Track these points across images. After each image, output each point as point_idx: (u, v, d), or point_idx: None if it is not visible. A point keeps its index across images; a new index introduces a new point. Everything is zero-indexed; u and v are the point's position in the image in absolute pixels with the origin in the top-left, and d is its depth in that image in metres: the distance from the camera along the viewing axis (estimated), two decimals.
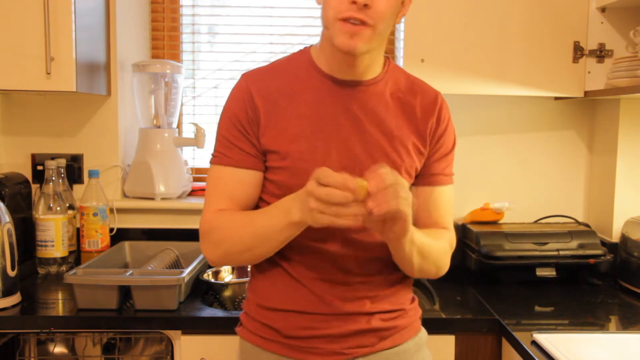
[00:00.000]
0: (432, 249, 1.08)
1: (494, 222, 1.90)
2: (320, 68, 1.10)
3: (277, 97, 1.08)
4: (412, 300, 1.18)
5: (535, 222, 1.99)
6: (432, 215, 1.15)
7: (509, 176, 2.01)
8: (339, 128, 1.07)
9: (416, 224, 1.06)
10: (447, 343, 1.43)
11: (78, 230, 1.86)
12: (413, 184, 1.15)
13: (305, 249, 1.07)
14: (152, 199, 1.93)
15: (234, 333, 1.18)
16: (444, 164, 1.16)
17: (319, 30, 1.43)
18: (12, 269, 1.45)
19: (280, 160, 1.06)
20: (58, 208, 1.75)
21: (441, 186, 1.16)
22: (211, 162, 1.11)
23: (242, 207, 1.09)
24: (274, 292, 1.10)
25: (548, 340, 1.25)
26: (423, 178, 1.15)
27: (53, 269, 1.75)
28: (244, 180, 1.08)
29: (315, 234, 1.04)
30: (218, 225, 1.07)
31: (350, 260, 1.08)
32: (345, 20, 0.99)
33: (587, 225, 1.91)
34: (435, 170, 1.15)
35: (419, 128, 1.11)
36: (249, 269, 1.61)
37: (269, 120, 1.06)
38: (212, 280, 1.73)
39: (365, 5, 0.97)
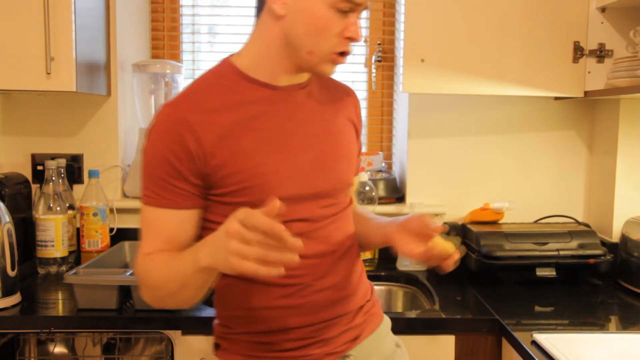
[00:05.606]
0: None
1: (494, 222, 1.90)
2: (254, 78, 1.04)
3: (219, 117, 1.00)
4: (372, 288, 1.24)
5: (535, 222, 1.99)
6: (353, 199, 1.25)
7: (509, 176, 2.01)
8: (291, 136, 1.05)
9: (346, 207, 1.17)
10: (447, 343, 1.43)
11: (78, 230, 1.86)
12: None
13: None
14: None
15: None
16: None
17: None
18: (12, 269, 1.45)
19: (243, 180, 1.00)
20: (58, 208, 1.75)
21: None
22: (144, 202, 1.01)
23: (181, 247, 1.01)
24: (261, 318, 1.06)
25: (548, 340, 1.25)
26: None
27: (53, 269, 1.75)
28: (184, 220, 1.01)
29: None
30: (145, 270, 1.00)
31: (327, 261, 1.08)
32: (341, 54, 1.03)
33: (587, 225, 1.91)
34: (358, 162, 1.24)
35: (352, 120, 1.18)
36: None
37: (219, 144, 0.99)
38: None
39: None
